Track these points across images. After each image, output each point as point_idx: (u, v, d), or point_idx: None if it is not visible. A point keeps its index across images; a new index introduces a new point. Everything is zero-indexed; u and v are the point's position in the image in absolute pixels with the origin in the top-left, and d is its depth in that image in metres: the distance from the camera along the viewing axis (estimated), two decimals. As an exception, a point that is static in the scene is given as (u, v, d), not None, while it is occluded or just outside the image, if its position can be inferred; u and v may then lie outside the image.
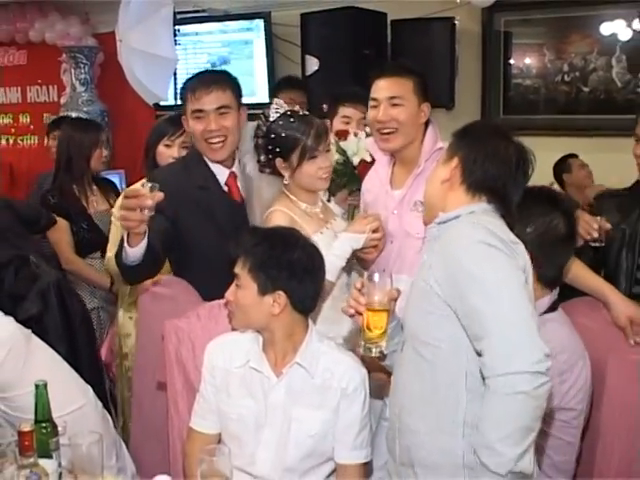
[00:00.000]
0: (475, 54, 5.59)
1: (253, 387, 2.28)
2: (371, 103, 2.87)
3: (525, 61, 5.56)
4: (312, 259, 2.27)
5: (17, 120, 7.49)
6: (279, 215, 2.64)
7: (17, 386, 2.37)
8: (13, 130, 7.52)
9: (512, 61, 5.58)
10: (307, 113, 2.75)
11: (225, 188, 2.91)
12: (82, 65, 6.73)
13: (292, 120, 2.66)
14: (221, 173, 2.91)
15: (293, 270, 2.21)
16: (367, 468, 2.36)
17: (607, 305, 2.48)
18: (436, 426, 1.95)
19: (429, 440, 1.97)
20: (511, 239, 1.96)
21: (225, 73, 2.99)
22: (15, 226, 3.28)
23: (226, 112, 2.82)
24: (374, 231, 2.61)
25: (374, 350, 2.04)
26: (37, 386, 2.18)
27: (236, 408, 2.29)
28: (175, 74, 5.63)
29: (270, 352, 2.30)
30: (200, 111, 2.81)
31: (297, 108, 2.77)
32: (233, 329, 2.40)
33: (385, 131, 2.81)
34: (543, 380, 1.74)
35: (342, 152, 3.25)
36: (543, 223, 2.33)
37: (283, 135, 2.65)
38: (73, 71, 6.77)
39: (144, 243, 2.43)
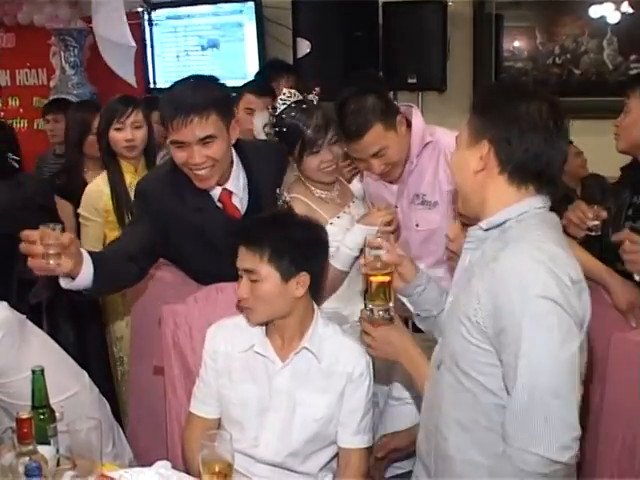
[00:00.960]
0: (467, 37, 5.57)
1: (256, 372, 2.28)
2: (356, 160, 2.75)
3: (516, 44, 5.55)
4: (324, 237, 2.33)
5: (6, 103, 7.44)
6: (295, 202, 2.69)
7: (12, 372, 2.36)
8: (2, 113, 7.46)
9: (504, 44, 5.56)
10: (312, 102, 2.72)
11: (219, 205, 2.64)
12: (71, 48, 6.68)
13: (293, 113, 2.67)
14: (213, 191, 2.61)
15: (312, 249, 2.26)
16: (369, 453, 2.37)
17: (607, 289, 2.50)
18: (473, 455, 1.80)
19: (465, 468, 1.82)
20: (574, 278, 1.69)
21: (209, 87, 2.51)
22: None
23: (210, 141, 2.43)
24: (387, 224, 2.59)
25: (379, 314, 2.07)
26: (34, 371, 2.16)
27: (238, 392, 2.29)
28: (153, 57, 5.48)
29: (275, 336, 2.29)
30: (180, 142, 2.44)
31: (310, 97, 2.74)
32: (249, 323, 2.33)
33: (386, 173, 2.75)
34: (561, 466, 1.61)
35: None
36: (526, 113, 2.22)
37: (284, 129, 2.67)
38: (62, 54, 6.72)
39: (87, 270, 2.20)
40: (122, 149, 3.40)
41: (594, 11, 5.20)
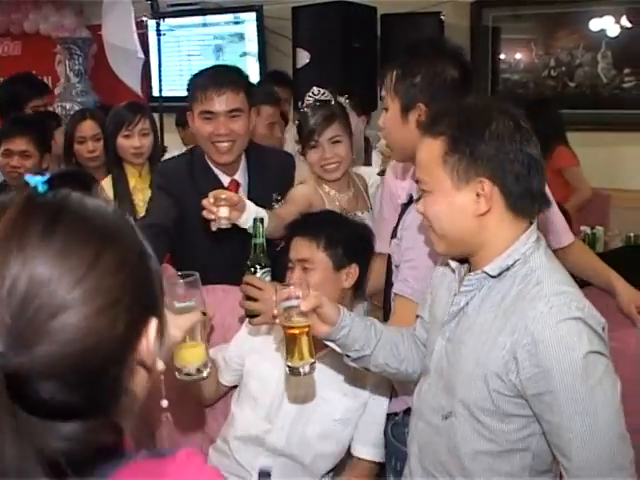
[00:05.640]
0: (464, 48, 5.64)
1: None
2: None
3: (513, 56, 5.63)
4: (371, 236, 2.38)
5: (11, 110, 7.53)
6: (303, 186, 2.77)
7: None
8: (8, 120, 7.55)
9: (500, 56, 5.65)
10: (327, 100, 2.80)
11: None
12: (76, 56, 6.81)
13: (306, 109, 2.80)
14: (224, 180, 2.75)
15: (363, 243, 2.30)
16: (378, 468, 2.31)
17: (613, 292, 2.53)
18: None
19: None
20: (597, 317, 1.59)
21: (238, 71, 2.75)
22: None
23: (237, 115, 2.62)
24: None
25: (305, 370, 1.82)
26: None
27: (261, 368, 2.28)
28: (160, 66, 5.55)
29: None
30: (209, 112, 2.61)
31: (340, 99, 2.91)
32: None
33: None
34: None
35: None
36: (429, 70, 2.08)
37: (297, 122, 2.89)
38: (67, 62, 6.84)
39: None
40: (130, 156, 3.44)
41: (591, 25, 5.27)
